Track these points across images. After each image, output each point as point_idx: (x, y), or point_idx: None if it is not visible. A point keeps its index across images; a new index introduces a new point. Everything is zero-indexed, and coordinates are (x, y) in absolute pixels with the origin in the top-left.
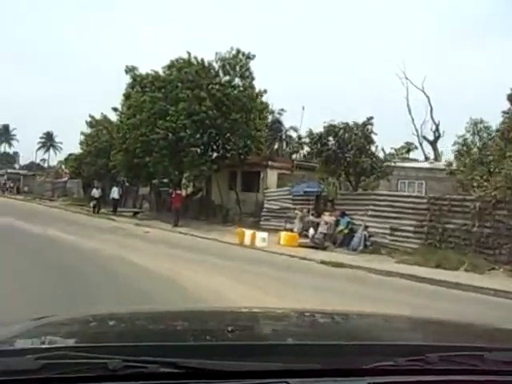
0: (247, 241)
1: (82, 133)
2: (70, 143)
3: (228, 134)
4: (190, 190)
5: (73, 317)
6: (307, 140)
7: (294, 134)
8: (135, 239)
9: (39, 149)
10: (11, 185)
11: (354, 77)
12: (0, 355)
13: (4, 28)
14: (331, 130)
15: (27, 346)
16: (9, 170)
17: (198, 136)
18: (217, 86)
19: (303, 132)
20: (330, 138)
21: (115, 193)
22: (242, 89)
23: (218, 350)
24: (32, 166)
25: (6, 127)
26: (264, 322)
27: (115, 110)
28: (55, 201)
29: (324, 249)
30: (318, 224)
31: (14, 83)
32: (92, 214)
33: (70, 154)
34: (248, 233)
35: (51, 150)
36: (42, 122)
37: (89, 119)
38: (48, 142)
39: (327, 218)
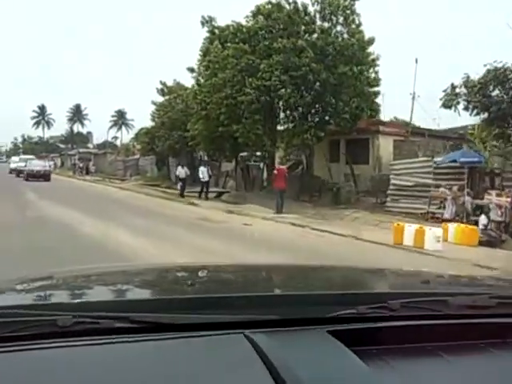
0: (408, 240)
1: (153, 102)
2: (143, 120)
3: (328, 95)
4: (281, 163)
5: (23, 276)
6: (463, 90)
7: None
8: (239, 243)
9: (111, 127)
10: (81, 165)
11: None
12: None
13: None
14: (501, 75)
15: None
16: (80, 150)
17: (297, 96)
18: (316, 34)
19: (419, 90)
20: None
21: (204, 173)
22: (346, 36)
23: (173, 304)
24: (105, 145)
25: (77, 107)
26: (223, 275)
27: (191, 70)
28: (127, 181)
29: (501, 244)
30: (488, 208)
31: (85, 62)
32: (169, 197)
33: (141, 129)
34: (410, 228)
35: (123, 128)
36: (113, 99)
37: (159, 86)
38: (120, 119)
39: (498, 199)
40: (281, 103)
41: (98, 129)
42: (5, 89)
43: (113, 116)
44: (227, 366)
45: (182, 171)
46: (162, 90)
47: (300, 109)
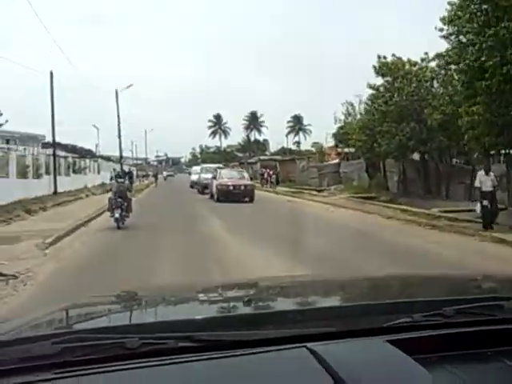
0: None
1: (370, 86)
2: (319, 125)
3: None
4: None
5: (90, 300)
6: None
7: None
8: None
9: (288, 133)
10: (271, 172)
11: None
12: (17, 342)
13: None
14: None
15: (44, 332)
16: (261, 157)
17: None
18: None
19: None
20: None
21: None
22: None
23: (234, 321)
24: (284, 152)
25: (253, 114)
26: (279, 290)
27: (448, 22)
28: (325, 191)
29: None
30: None
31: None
32: (434, 224)
33: (341, 127)
34: None
35: (300, 134)
36: (288, 105)
37: (377, 64)
38: (296, 125)
39: None
40: None
41: (274, 136)
42: (183, 101)
43: (288, 122)
44: (294, 379)
45: (486, 180)
46: (379, 67)
47: None
